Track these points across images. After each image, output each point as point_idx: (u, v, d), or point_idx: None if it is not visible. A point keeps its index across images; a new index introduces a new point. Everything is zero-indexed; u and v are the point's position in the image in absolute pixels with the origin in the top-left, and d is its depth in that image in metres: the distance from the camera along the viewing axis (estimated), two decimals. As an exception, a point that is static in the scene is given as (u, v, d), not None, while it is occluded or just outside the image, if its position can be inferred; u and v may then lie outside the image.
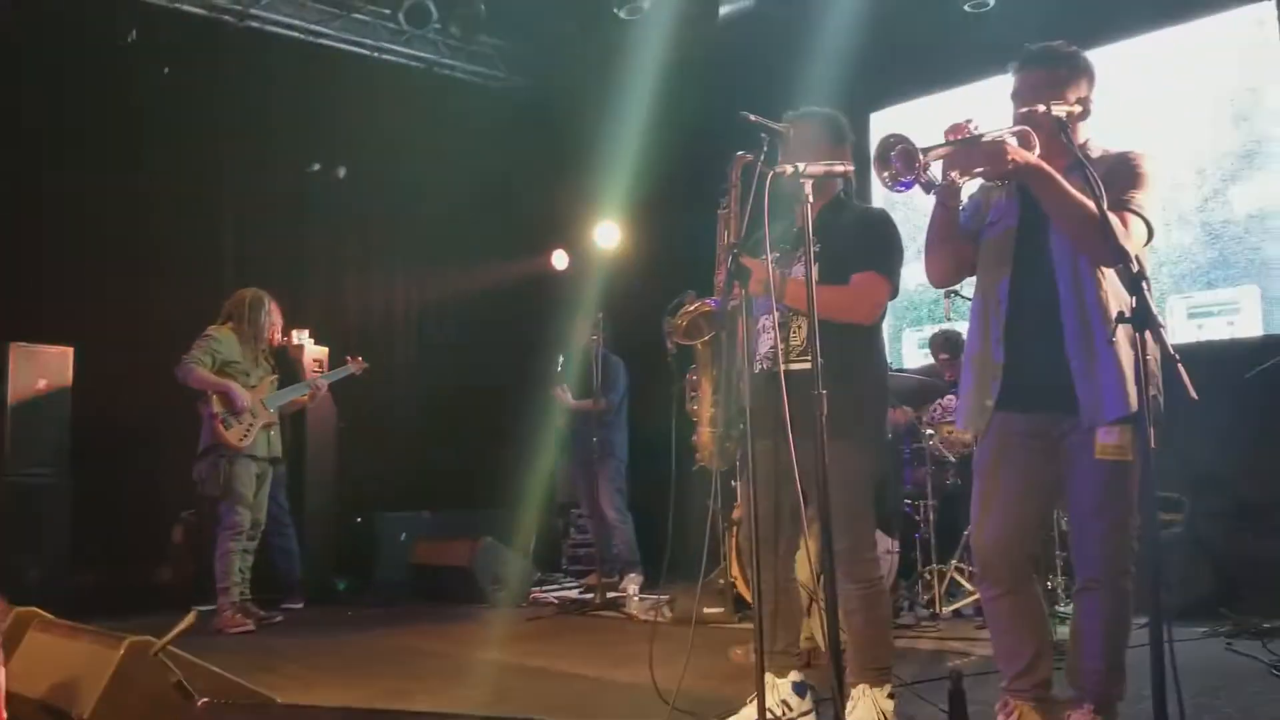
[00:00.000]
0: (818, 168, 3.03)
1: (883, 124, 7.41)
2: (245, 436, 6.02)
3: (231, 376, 6.05)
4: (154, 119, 7.46)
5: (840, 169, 3.24)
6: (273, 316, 6.33)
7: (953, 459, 5.55)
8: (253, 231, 8.14)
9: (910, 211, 6.88)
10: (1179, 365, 2.37)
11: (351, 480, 7.82)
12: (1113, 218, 2.58)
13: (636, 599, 6.24)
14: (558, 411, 7.63)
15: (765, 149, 3.18)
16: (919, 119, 7.15)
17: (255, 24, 7.88)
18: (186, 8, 7.59)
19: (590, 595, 6.75)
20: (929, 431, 5.64)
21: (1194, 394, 2.35)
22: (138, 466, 7.28)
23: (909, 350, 7.42)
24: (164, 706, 2.53)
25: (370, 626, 6.11)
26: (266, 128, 8.12)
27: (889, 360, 7.11)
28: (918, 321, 7.35)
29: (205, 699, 2.51)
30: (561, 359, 7.29)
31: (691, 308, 3.44)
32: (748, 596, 4.49)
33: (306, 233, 8.52)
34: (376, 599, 7.20)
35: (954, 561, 5.51)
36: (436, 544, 7.32)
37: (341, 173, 8.22)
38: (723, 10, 7.47)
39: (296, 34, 8.10)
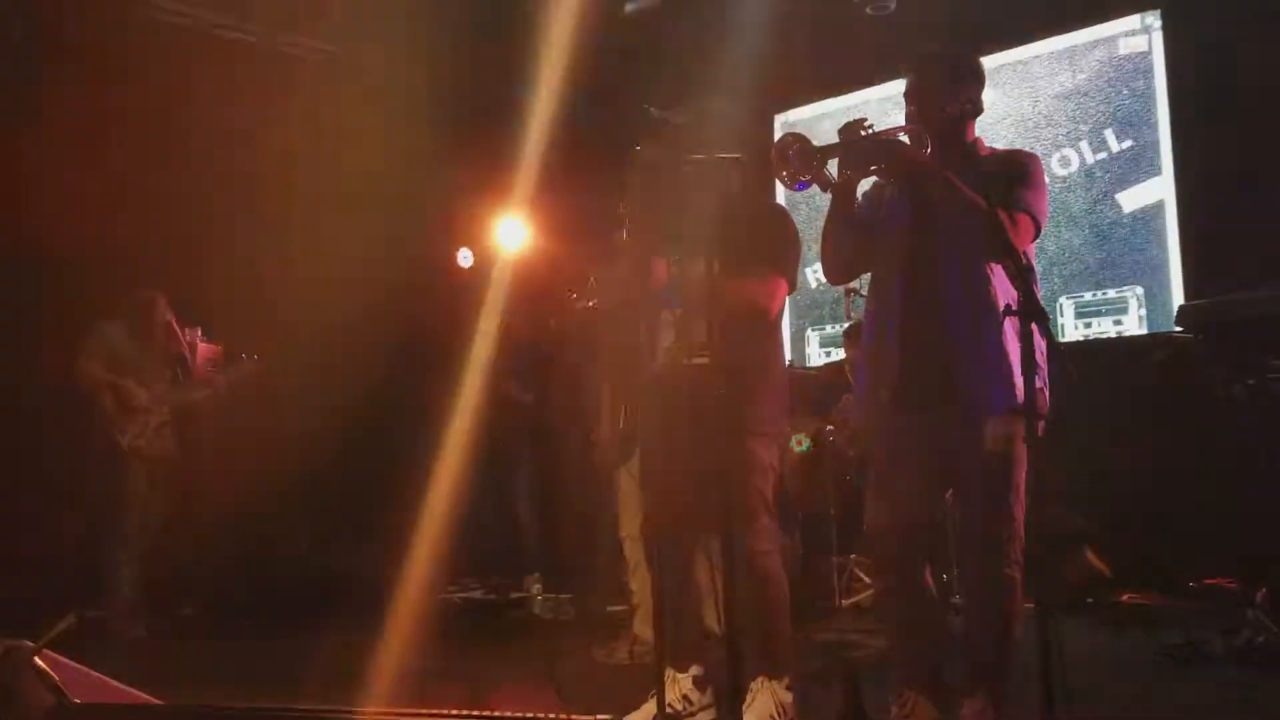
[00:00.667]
0: (713, 160, 3.05)
1: (788, 125, 7.49)
2: (139, 436, 5.86)
3: (124, 375, 5.88)
4: (47, 109, 7.19)
5: (736, 162, 3.27)
6: (166, 314, 6.18)
7: (852, 454, 5.62)
8: (146, 227, 7.90)
9: (813, 212, 6.97)
10: (1063, 353, 2.43)
11: (250, 485, 7.63)
12: (1001, 215, 2.64)
13: (540, 598, 6.21)
14: (474, 410, 7.54)
15: (665, 143, 3.19)
16: (823, 120, 7.25)
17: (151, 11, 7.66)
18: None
19: (494, 596, 6.68)
20: (829, 427, 5.71)
21: (1077, 379, 2.41)
22: (20, 469, 7.00)
23: (812, 349, 7.51)
24: (40, 710, 2.44)
25: (267, 633, 5.97)
26: (162, 118, 7.89)
27: (792, 359, 7.25)
28: (820, 321, 7.44)
29: (80, 702, 2.43)
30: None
31: (589, 304, 3.43)
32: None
33: (199, 229, 8.29)
34: (274, 605, 7.04)
35: (854, 555, 5.58)
36: (339, 548, 7.19)
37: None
38: (628, 6, 7.47)
39: (191, 21, 7.88)
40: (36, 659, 2.39)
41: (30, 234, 7.12)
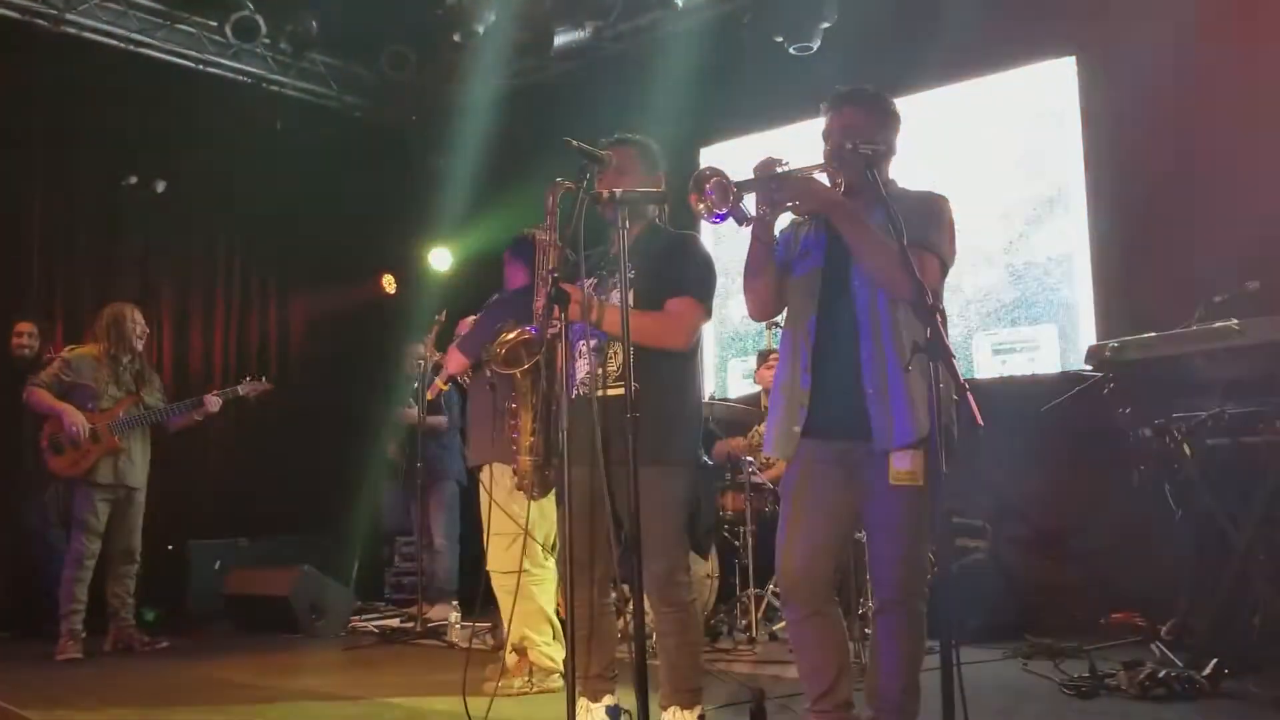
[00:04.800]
0: (633, 193, 3.08)
1: (711, 158, 7.56)
2: (77, 464, 5.77)
3: (78, 401, 5.79)
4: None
5: (655, 195, 3.31)
6: (138, 328, 6.07)
7: (771, 485, 5.67)
8: (62, 247, 7.76)
9: (736, 246, 7.05)
10: (968, 394, 2.49)
11: (161, 506, 7.46)
12: (910, 254, 2.70)
13: (458, 626, 6.15)
14: (386, 436, 7.50)
15: (585, 175, 3.21)
16: (747, 154, 7.32)
17: (71, 29, 7.52)
18: (-6, 8, 7.20)
19: (411, 624, 6.62)
20: (748, 459, 5.75)
21: (980, 421, 2.47)
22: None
23: (734, 380, 7.57)
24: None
25: (179, 657, 5.86)
26: (80, 138, 7.75)
27: (715, 390, 7.31)
28: (743, 352, 7.51)
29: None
30: (416, 385, 7.03)
31: (510, 335, 3.43)
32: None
33: (120, 249, 8.15)
34: (188, 629, 6.89)
35: (771, 586, 5.61)
36: (252, 572, 7.08)
37: (160, 187, 7.89)
38: (557, 40, 7.52)
39: (116, 42, 7.76)
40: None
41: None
